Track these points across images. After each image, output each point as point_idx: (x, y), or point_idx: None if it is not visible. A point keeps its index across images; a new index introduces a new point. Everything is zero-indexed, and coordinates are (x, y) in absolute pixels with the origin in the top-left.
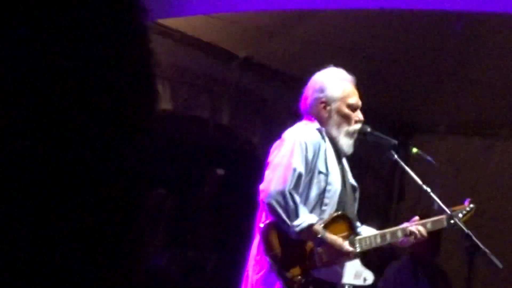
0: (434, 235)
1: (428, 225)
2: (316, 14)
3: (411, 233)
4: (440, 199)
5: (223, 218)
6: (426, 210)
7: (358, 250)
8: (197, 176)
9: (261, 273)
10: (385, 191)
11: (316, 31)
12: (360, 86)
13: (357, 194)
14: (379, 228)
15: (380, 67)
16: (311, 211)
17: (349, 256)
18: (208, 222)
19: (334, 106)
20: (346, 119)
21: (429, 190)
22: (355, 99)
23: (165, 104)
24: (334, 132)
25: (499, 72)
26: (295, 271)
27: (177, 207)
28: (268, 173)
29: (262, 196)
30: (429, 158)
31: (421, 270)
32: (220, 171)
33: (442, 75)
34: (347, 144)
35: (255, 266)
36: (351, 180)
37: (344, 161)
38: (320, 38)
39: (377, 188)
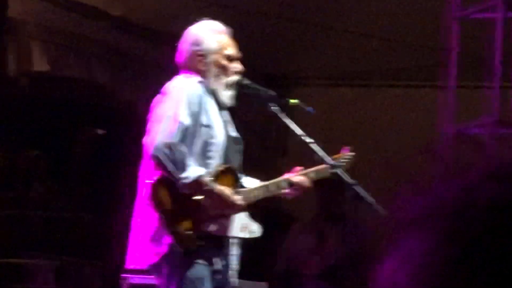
0: (336, 188)
1: (312, 174)
2: None
3: (295, 183)
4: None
5: (98, 178)
6: (311, 163)
7: (243, 202)
8: (71, 136)
9: (150, 229)
10: (267, 145)
11: None
12: (237, 40)
13: (241, 146)
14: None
15: (256, 21)
16: (196, 164)
17: (237, 207)
18: (83, 182)
19: (211, 58)
20: (224, 70)
21: (310, 141)
22: (232, 50)
23: (37, 65)
24: (213, 84)
25: (369, 21)
26: (186, 226)
27: (51, 168)
28: (153, 126)
29: (148, 149)
30: (308, 108)
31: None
32: (101, 131)
33: (314, 27)
34: (227, 95)
35: (143, 223)
36: (234, 132)
37: (226, 113)
38: None
39: (259, 143)
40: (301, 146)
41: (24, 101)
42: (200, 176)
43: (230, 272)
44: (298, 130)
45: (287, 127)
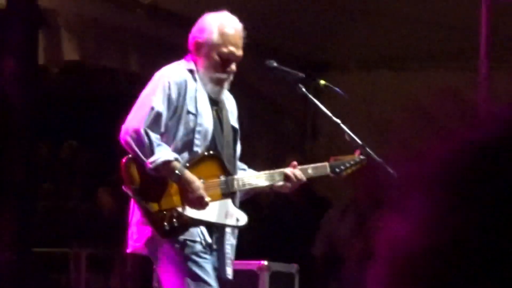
0: (373, 185)
1: (310, 171)
2: None
3: (287, 177)
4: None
5: None
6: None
7: (229, 190)
8: (110, 126)
9: (138, 213)
10: (299, 129)
11: None
12: (270, 25)
13: (238, 136)
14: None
15: (288, 5)
16: (180, 152)
17: (201, 202)
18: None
19: (207, 49)
20: (216, 66)
21: (339, 121)
22: (232, 49)
23: (73, 55)
24: (201, 74)
25: (406, 6)
26: (159, 206)
27: (91, 159)
28: (131, 112)
29: (120, 133)
30: (338, 90)
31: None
32: None
33: (349, 10)
34: (212, 89)
35: (134, 206)
36: (232, 122)
37: (228, 101)
38: None
39: (290, 127)
40: (332, 130)
41: (60, 92)
42: (167, 161)
43: (226, 260)
44: (327, 111)
45: (317, 112)
